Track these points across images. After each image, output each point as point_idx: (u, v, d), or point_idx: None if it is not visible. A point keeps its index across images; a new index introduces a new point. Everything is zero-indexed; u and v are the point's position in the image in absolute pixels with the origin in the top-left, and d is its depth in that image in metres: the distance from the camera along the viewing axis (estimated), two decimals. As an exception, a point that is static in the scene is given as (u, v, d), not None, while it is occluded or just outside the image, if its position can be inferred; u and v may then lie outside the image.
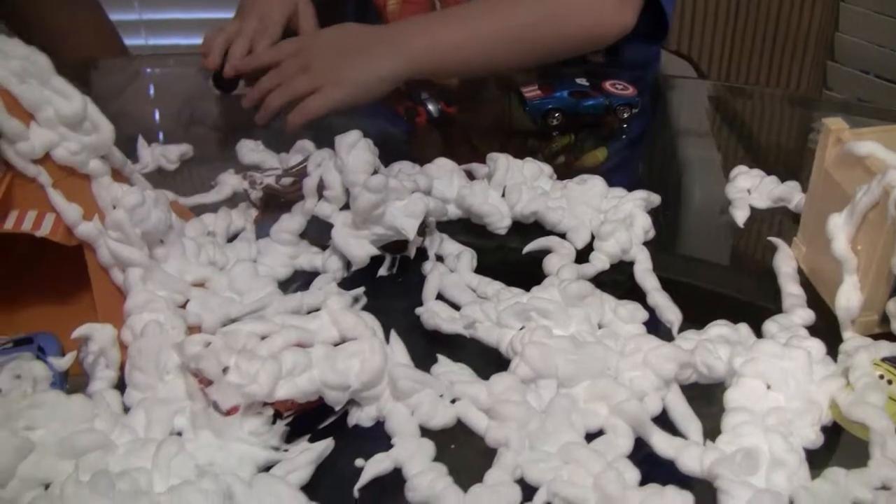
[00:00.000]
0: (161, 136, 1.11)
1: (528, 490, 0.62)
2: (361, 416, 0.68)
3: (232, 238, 0.88)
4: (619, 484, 0.60)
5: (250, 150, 1.02)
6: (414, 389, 0.68)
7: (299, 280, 0.83)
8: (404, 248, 0.83)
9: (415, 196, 0.81)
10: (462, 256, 0.84)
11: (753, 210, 0.93)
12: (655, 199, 0.92)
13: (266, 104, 1.07)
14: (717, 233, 0.94)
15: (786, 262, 0.83)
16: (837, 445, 0.67)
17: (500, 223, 0.89)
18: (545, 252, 0.86)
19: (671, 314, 0.78)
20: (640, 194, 0.90)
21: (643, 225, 0.88)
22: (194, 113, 1.20)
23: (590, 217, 0.89)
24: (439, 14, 1.21)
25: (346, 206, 0.83)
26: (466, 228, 0.91)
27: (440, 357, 0.72)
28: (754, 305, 0.82)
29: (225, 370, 0.65)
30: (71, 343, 0.73)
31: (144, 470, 0.60)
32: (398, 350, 0.71)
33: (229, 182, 0.95)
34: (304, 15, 1.21)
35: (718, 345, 0.72)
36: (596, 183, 0.92)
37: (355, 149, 0.81)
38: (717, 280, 0.88)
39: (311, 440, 0.66)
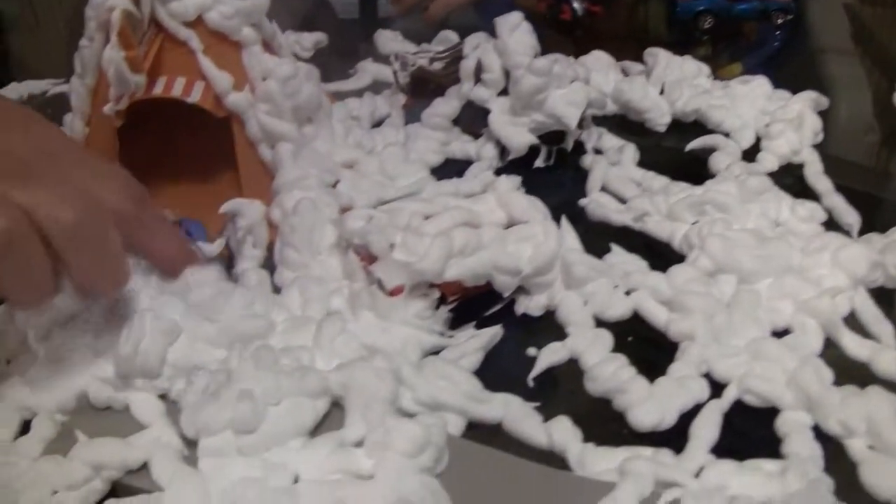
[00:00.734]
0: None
1: (714, 386, 0.57)
2: (530, 305, 0.64)
3: (376, 125, 0.83)
4: (818, 381, 0.55)
5: (389, 39, 0.98)
6: (589, 277, 0.63)
7: (450, 168, 0.79)
8: (561, 139, 0.78)
9: (576, 84, 0.76)
10: (625, 150, 0.79)
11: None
12: (824, 101, 0.86)
13: None
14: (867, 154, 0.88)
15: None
16: None
17: (660, 119, 0.84)
18: (705, 151, 0.80)
19: (850, 217, 0.73)
20: (810, 94, 0.84)
21: (813, 126, 0.82)
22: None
23: (754, 117, 0.84)
24: None
25: (503, 92, 0.78)
26: (622, 124, 0.86)
27: (613, 246, 0.67)
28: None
29: (390, 247, 0.60)
30: (212, 228, 0.69)
31: (306, 348, 0.56)
32: (569, 236, 0.66)
33: (369, 70, 0.92)
34: None
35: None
36: (762, 83, 0.87)
37: (518, 30, 0.76)
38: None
39: (477, 328, 0.62)
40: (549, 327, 0.63)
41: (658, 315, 0.62)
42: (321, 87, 0.75)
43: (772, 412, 0.55)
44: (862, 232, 0.71)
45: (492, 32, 0.78)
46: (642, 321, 0.63)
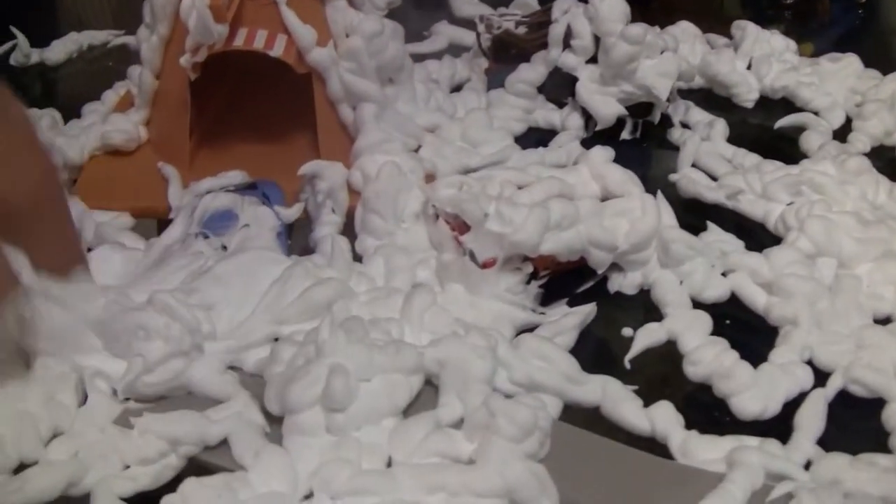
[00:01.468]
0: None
1: (816, 375, 0.54)
2: (624, 283, 0.61)
3: (455, 89, 0.81)
4: (927, 373, 0.53)
5: (465, 2, 0.95)
6: (687, 256, 0.60)
7: (531, 137, 0.76)
8: (648, 111, 0.75)
9: (667, 55, 0.73)
10: (715, 125, 0.76)
11: None
12: (917, 82, 0.83)
13: None
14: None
15: None
16: None
17: (748, 95, 0.81)
18: (794, 130, 0.78)
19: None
20: (907, 73, 0.81)
21: (908, 107, 0.79)
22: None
23: (844, 96, 0.81)
24: None
25: (591, 60, 0.75)
26: (707, 99, 0.83)
27: (710, 224, 0.65)
28: None
29: (485, 217, 0.58)
30: (286, 191, 0.67)
31: (394, 320, 0.54)
32: (666, 212, 0.64)
33: (445, 32, 0.89)
34: None
35: None
36: (852, 61, 0.84)
37: (610, -6, 0.73)
38: None
39: (568, 305, 0.59)
40: (642, 306, 0.60)
41: (757, 298, 0.60)
42: (405, 47, 0.72)
43: (877, 403, 0.53)
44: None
45: None
46: (738, 303, 0.60)
